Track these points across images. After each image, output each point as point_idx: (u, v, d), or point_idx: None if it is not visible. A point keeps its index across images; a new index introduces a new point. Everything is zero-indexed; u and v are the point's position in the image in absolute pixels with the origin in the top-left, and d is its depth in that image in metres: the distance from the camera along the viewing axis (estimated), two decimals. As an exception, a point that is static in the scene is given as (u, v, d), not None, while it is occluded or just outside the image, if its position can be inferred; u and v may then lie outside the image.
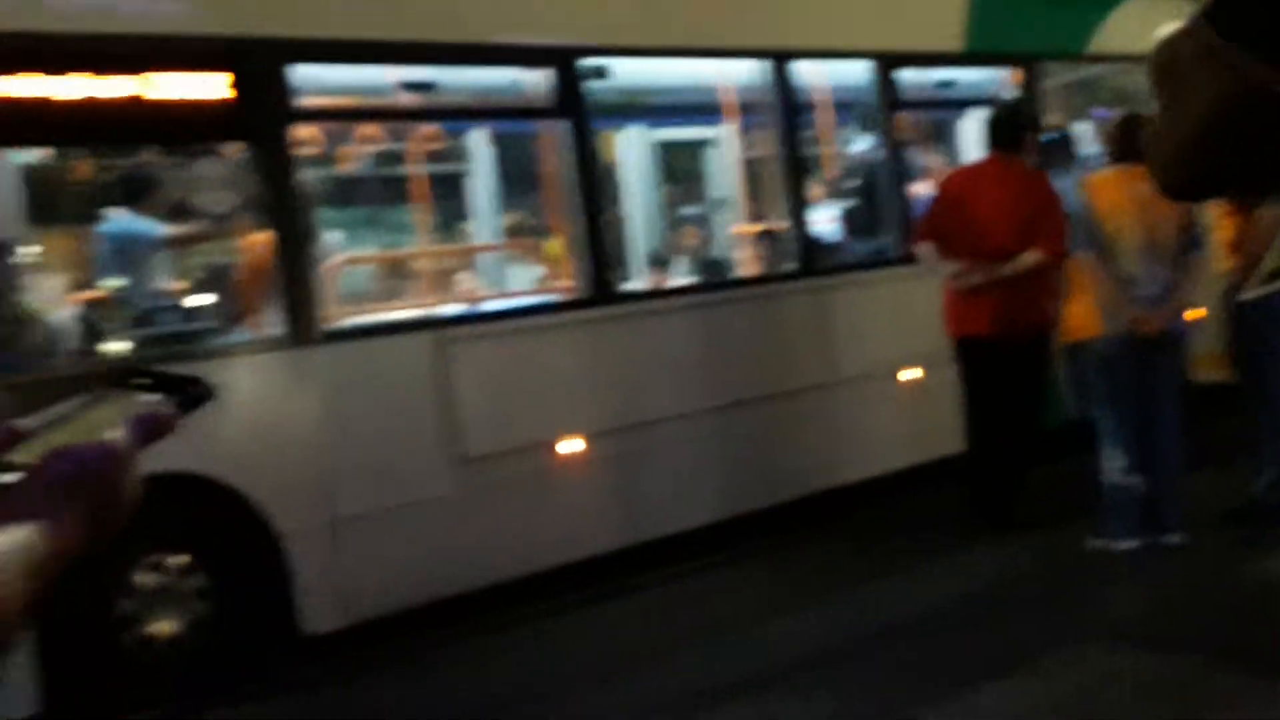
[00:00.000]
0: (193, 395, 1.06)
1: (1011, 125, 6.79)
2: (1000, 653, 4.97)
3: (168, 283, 6.25)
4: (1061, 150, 8.82)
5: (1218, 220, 6.59)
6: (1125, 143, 6.05)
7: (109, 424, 1.01)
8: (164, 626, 5.30)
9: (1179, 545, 6.01)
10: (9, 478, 0.97)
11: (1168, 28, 1.15)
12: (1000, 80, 8.70)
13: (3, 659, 0.89)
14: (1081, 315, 6.14)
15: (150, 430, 1.02)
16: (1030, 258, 6.51)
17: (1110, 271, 5.96)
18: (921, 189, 8.32)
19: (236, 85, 5.50)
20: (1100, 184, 6.11)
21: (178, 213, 6.11)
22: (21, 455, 0.99)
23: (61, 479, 0.96)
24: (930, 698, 4.62)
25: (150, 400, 1.05)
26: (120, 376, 1.08)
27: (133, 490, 1.00)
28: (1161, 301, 5.95)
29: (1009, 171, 6.67)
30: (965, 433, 6.87)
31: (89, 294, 6.09)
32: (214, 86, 5.45)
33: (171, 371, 1.09)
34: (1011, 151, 6.72)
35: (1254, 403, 6.46)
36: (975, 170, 6.99)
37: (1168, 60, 1.14)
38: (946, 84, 8.55)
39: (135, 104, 5.26)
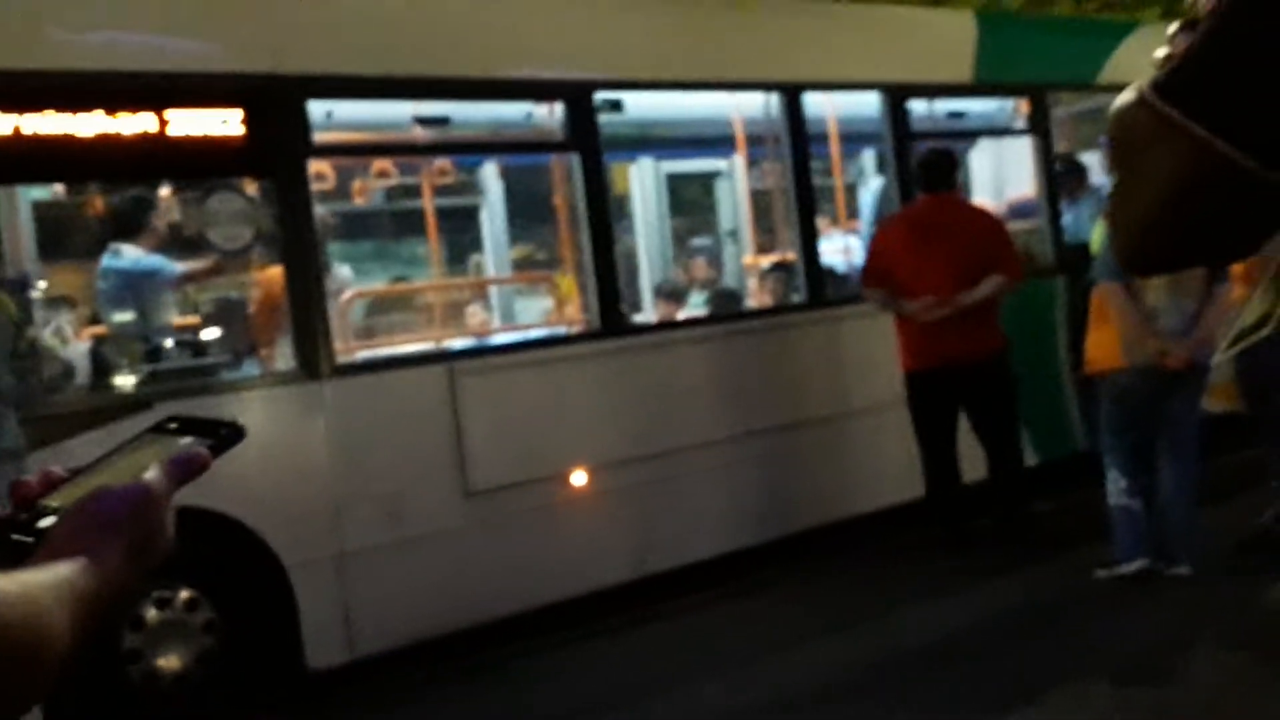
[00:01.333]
0: (225, 437, 1.14)
1: (943, 165, 7.06)
2: (1007, 685, 4.95)
3: (180, 317, 6.30)
4: (1071, 179, 8.85)
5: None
6: None
7: (146, 467, 1.07)
8: (171, 660, 5.31)
9: (1187, 576, 5.98)
10: (48, 521, 1.02)
11: (1123, 97, 1.10)
12: (1010, 110, 8.72)
13: (45, 693, 0.93)
14: (1103, 346, 6.11)
15: (186, 471, 1.08)
16: (992, 284, 6.76)
17: (1134, 304, 5.95)
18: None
19: (254, 121, 5.55)
20: None
21: (191, 247, 6.16)
22: (59, 499, 1.05)
23: (102, 519, 1.01)
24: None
25: (185, 443, 1.11)
26: (157, 423, 1.15)
27: (169, 529, 1.05)
28: (1185, 334, 5.93)
29: (949, 208, 6.97)
30: (924, 471, 7.01)
31: (100, 329, 6.15)
32: (231, 123, 5.50)
33: (204, 416, 1.15)
34: (946, 190, 7.00)
35: (1264, 433, 6.44)
36: (914, 213, 7.18)
37: (1122, 133, 1.09)
38: (957, 114, 8.57)
39: (154, 140, 5.32)
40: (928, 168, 7.06)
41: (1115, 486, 6.09)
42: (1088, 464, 6.69)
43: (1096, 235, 6.14)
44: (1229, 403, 7.26)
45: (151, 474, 1.06)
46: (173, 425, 1.15)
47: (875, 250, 7.10)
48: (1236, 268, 6.44)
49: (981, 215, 7.24)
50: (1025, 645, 5.47)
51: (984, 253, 6.78)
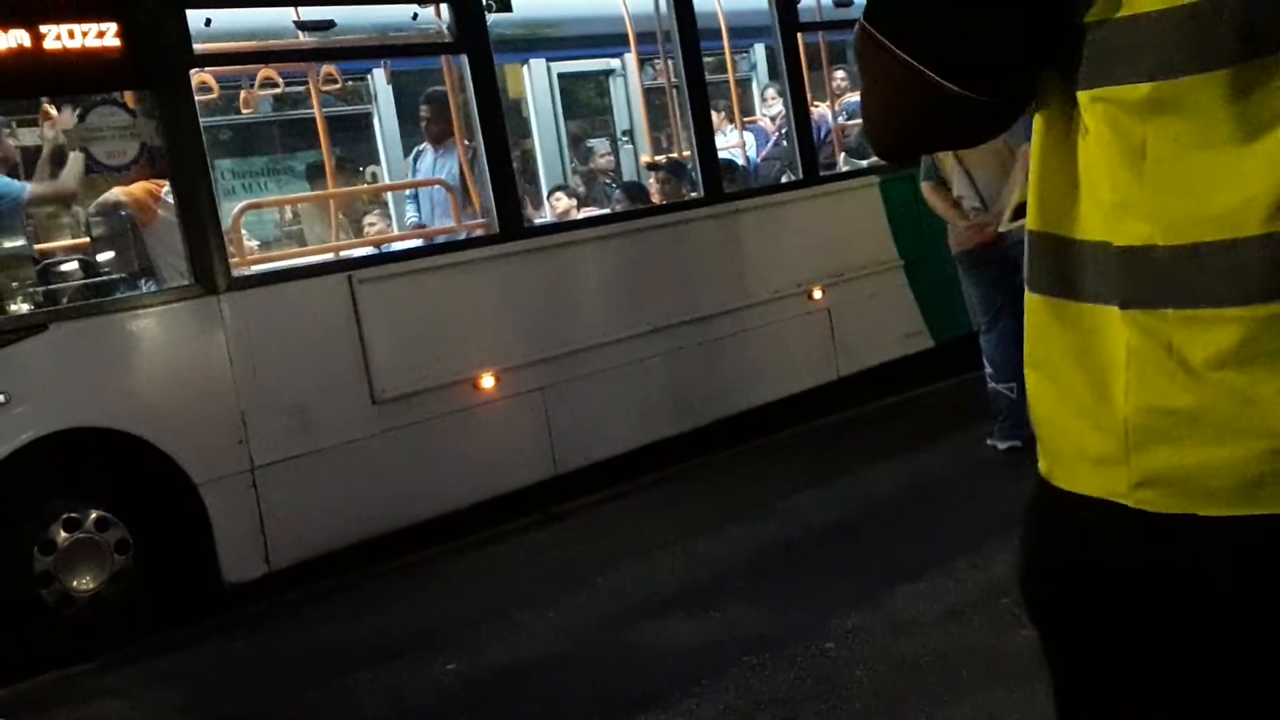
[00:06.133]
0: None
1: None
2: (912, 557, 5.09)
3: (68, 238, 6.15)
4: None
5: None
6: None
7: None
8: (85, 581, 5.27)
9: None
10: None
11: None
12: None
13: None
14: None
15: None
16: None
17: (945, 195, 6.33)
18: (822, 110, 8.40)
19: (132, 32, 5.42)
20: None
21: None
22: None
23: None
24: (849, 603, 4.72)
25: None
26: None
27: None
28: (986, 212, 6.22)
29: None
30: None
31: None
32: (109, 35, 5.36)
33: None
34: None
35: None
36: None
37: (856, 47, 1.25)
38: (845, 4, 8.58)
39: (30, 56, 5.19)
40: None
41: (988, 371, 6.34)
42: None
43: None
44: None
45: None
46: None
47: None
48: None
49: None
50: (926, 519, 5.62)
51: None
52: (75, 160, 5.69)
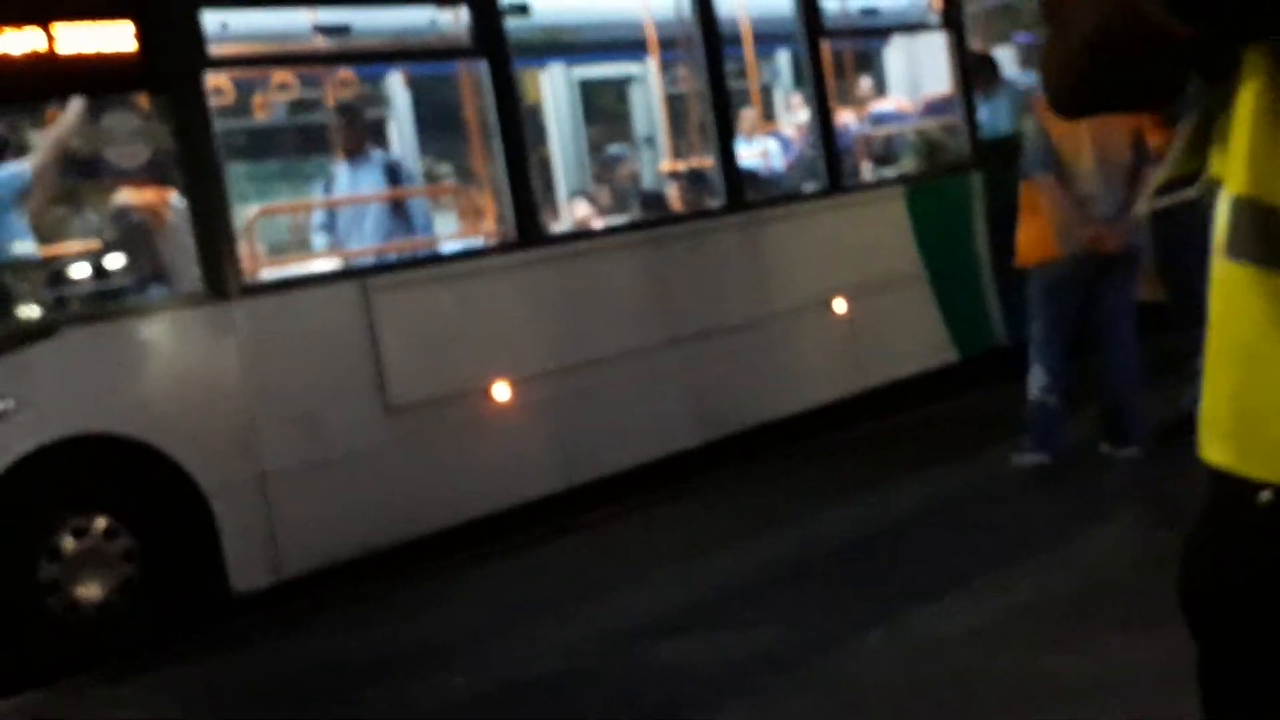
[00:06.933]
0: None
1: None
2: (931, 576, 5.00)
3: (78, 241, 6.11)
4: (985, 75, 8.83)
5: (1147, 132, 6.61)
6: None
7: None
8: (91, 590, 5.23)
9: (1137, 458, 6.06)
10: None
11: None
12: (924, 6, 8.66)
13: None
14: (1035, 238, 6.15)
15: None
16: None
17: (1068, 192, 5.97)
18: (847, 118, 8.30)
19: (146, 34, 5.37)
20: None
21: (86, 166, 5.95)
22: None
23: None
24: (868, 621, 4.64)
25: None
26: None
27: None
28: (1118, 218, 5.99)
29: None
30: None
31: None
32: (123, 36, 5.32)
33: None
34: None
35: (1183, 316, 6.52)
36: None
37: None
38: (870, 11, 8.50)
39: (44, 58, 5.15)
40: None
41: (1036, 382, 6.16)
42: (1008, 359, 6.74)
43: (1029, 128, 6.13)
44: (1148, 292, 7.32)
45: None
46: None
47: None
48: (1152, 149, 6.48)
49: None
50: (948, 535, 5.52)
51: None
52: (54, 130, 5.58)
